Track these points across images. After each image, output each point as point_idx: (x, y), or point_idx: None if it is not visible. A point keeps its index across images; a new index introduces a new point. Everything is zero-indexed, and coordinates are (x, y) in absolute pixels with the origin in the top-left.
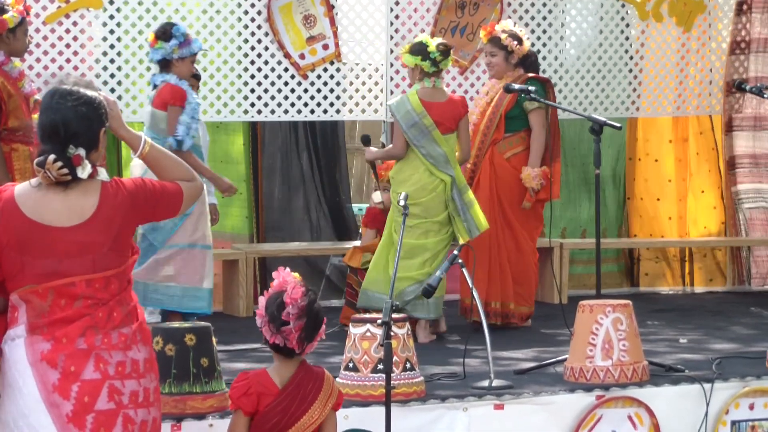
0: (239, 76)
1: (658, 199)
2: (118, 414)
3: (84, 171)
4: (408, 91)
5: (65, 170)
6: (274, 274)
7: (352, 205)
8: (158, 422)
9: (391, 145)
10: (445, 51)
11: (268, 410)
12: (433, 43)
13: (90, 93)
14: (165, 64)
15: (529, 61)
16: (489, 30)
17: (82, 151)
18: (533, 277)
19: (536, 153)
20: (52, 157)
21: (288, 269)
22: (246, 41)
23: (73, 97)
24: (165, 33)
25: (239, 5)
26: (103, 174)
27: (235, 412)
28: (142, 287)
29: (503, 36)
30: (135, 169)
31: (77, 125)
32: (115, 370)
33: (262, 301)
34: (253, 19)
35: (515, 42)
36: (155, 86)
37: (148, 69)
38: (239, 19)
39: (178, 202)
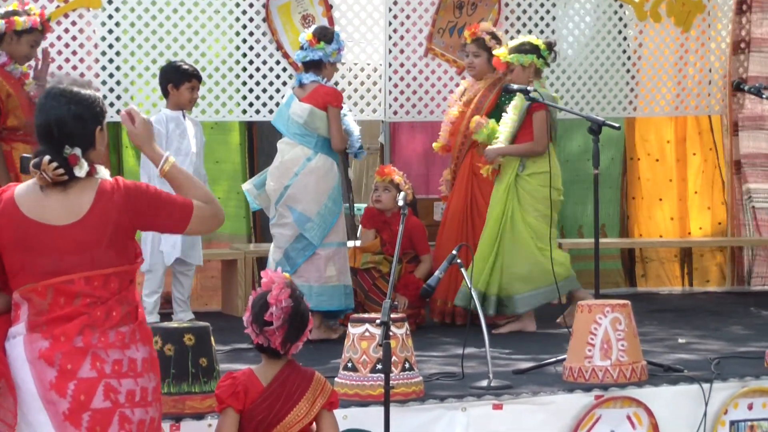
0: (237, 76)
1: (661, 199)
2: (114, 413)
3: (81, 170)
4: (544, 89)
5: (61, 170)
6: (262, 273)
7: (355, 204)
8: (157, 422)
9: (531, 143)
10: (552, 49)
11: (253, 407)
12: (541, 42)
13: (84, 92)
14: (316, 65)
15: None
16: (473, 30)
17: (78, 151)
18: None
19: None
20: (47, 158)
21: (279, 269)
22: (244, 41)
23: (66, 98)
24: (328, 35)
25: (237, 5)
26: (102, 172)
27: (224, 411)
28: (307, 290)
29: (487, 37)
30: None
31: (71, 125)
32: (112, 369)
33: (251, 300)
34: (251, 19)
35: (497, 43)
36: (301, 84)
37: (147, 69)
38: (237, 19)
39: (185, 216)
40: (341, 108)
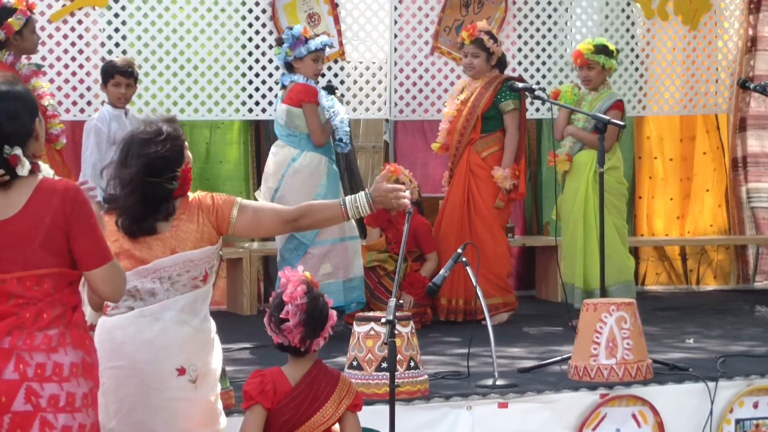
0: (243, 75)
1: (671, 198)
2: (35, 417)
3: (23, 168)
4: (610, 90)
5: (2, 171)
6: (280, 273)
7: None
8: (89, 429)
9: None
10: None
11: (280, 407)
12: (615, 48)
13: (14, 88)
14: (287, 67)
15: (502, 62)
16: (471, 31)
17: (18, 151)
18: (507, 267)
19: (510, 154)
20: None
21: (301, 267)
22: (250, 39)
23: None
24: (278, 39)
25: (243, 3)
26: (45, 170)
27: (251, 408)
28: None
29: (485, 37)
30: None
31: (8, 126)
32: (34, 372)
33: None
34: (257, 18)
35: (494, 43)
36: (284, 86)
37: (154, 68)
38: (243, 18)
39: (99, 258)
40: (316, 103)
